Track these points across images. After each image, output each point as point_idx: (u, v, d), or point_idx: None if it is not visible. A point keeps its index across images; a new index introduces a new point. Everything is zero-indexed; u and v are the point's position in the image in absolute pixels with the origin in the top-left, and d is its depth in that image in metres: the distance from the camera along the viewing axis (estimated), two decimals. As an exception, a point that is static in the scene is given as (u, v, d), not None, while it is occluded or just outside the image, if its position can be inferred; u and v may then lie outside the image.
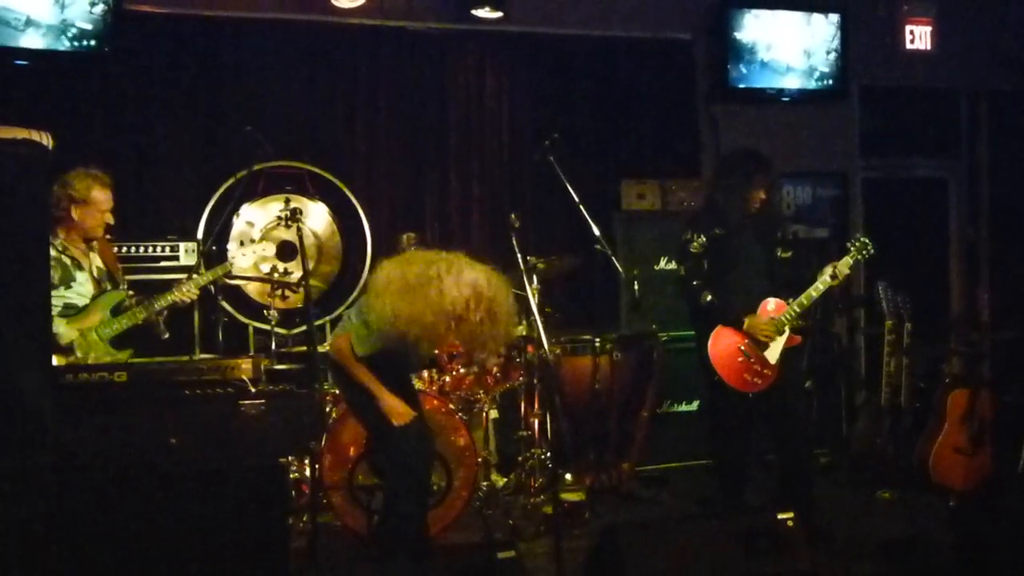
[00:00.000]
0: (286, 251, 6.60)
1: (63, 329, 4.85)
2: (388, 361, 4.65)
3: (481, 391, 5.94)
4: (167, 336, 5.22)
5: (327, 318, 6.70)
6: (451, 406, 5.60)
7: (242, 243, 6.45)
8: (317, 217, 6.91)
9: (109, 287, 5.15)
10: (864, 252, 5.49)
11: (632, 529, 4.47)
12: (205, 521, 3.71)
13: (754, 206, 5.52)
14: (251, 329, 6.59)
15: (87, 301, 5.02)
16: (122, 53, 6.36)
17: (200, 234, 6.57)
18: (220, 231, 6.48)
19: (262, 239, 6.64)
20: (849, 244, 5.56)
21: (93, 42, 6.15)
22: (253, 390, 3.85)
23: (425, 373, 5.86)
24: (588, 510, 5.77)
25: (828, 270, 5.41)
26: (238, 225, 6.74)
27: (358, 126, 7.23)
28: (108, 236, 5.27)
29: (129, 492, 3.67)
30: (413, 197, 7.37)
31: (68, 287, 4.96)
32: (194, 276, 5.29)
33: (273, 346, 5.99)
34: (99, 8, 6.12)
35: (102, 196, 5.06)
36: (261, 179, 6.70)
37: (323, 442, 5.36)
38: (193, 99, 6.82)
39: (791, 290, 5.49)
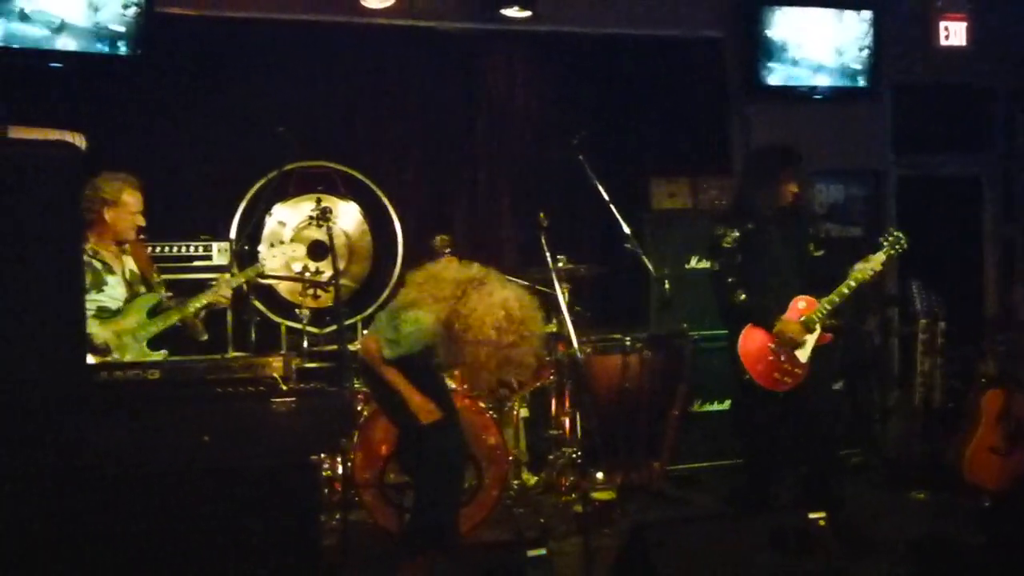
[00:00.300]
0: (317, 251, 6.64)
1: (97, 330, 4.89)
2: (418, 363, 4.67)
3: (513, 389, 5.94)
4: (205, 337, 5.30)
5: (358, 317, 6.72)
6: (481, 405, 5.61)
7: (272, 244, 6.50)
8: (348, 217, 6.95)
9: (143, 290, 5.20)
10: (898, 246, 5.43)
11: (662, 528, 4.47)
12: (237, 519, 3.72)
13: (785, 200, 5.48)
14: (283, 328, 6.63)
15: (120, 304, 5.06)
16: (154, 55, 6.40)
17: (232, 234, 6.61)
18: (253, 231, 6.54)
19: (293, 239, 6.70)
20: (882, 239, 5.51)
21: (125, 44, 6.21)
22: (284, 388, 3.86)
23: (456, 372, 5.87)
24: (618, 509, 5.76)
25: (860, 265, 5.38)
26: (270, 225, 6.79)
27: (388, 126, 7.25)
28: (141, 237, 5.31)
29: (162, 490, 3.68)
30: (443, 197, 7.40)
31: (100, 291, 5.00)
32: (226, 277, 5.33)
33: (305, 345, 6.02)
34: (131, 11, 6.18)
35: (133, 198, 5.12)
36: (293, 179, 6.75)
37: (355, 440, 5.41)
38: (224, 100, 6.87)
39: (823, 289, 5.45)
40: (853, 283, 5.35)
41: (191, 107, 6.78)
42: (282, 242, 6.46)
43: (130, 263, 5.23)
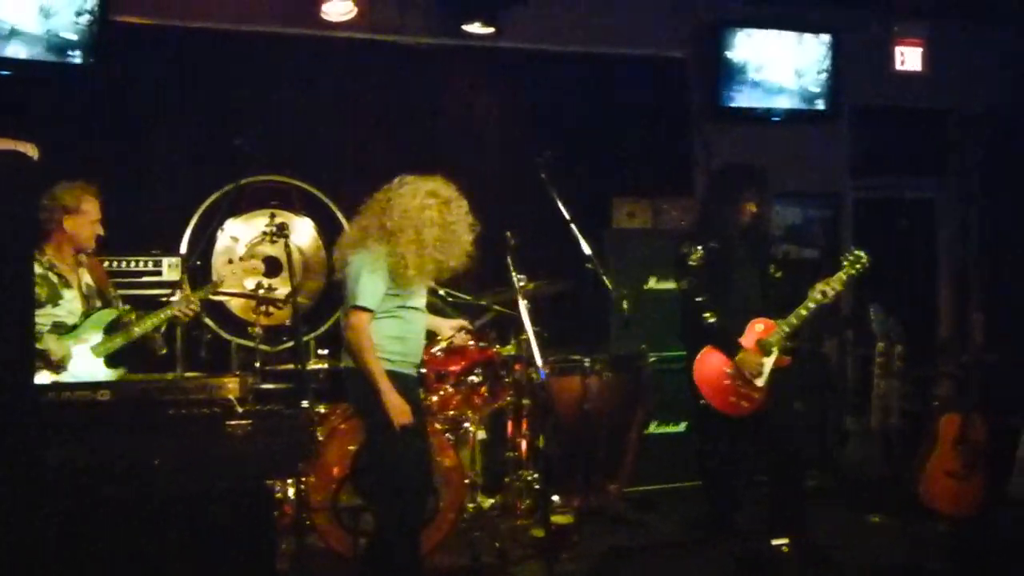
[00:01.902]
0: (271, 267, 6.50)
1: (53, 345, 4.76)
2: (402, 342, 4.54)
3: (469, 411, 5.85)
4: (164, 351, 5.21)
5: (312, 335, 6.61)
6: (438, 426, 5.51)
7: (230, 260, 6.36)
8: (303, 232, 6.82)
9: (99, 304, 5.07)
10: (858, 266, 5.38)
11: (625, 555, 4.40)
12: (189, 545, 3.62)
13: (744, 219, 5.46)
14: (233, 346, 6.49)
15: (76, 319, 4.92)
16: (108, 64, 6.27)
17: (184, 249, 6.47)
18: (204, 246, 6.40)
19: (245, 255, 6.57)
20: (843, 259, 5.46)
21: (79, 53, 6.06)
22: (240, 410, 3.75)
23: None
24: (576, 533, 5.68)
25: (819, 286, 5.33)
26: (222, 240, 6.64)
27: (347, 141, 7.15)
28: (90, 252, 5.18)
29: (111, 513, 3.57)
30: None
31: (56, 305, 4.87)
32: (188, 292, 5.21)
33: (257, 364, 5.88)
34: (84, 18, 6.05)
35: (92, 207, 5.01)
36: (247, 193, 6.62)
37: (308, 463, 5.29)
38: (179, 111, 6.74)
39: (780, 310, 5.42)
40: (812, 304, 5.32)
41: (144, 118, 6.65)
42: (241, 259, 6.31)
43: (86, 277, 5.09)
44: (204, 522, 3.62)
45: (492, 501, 6.10)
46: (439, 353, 5.74)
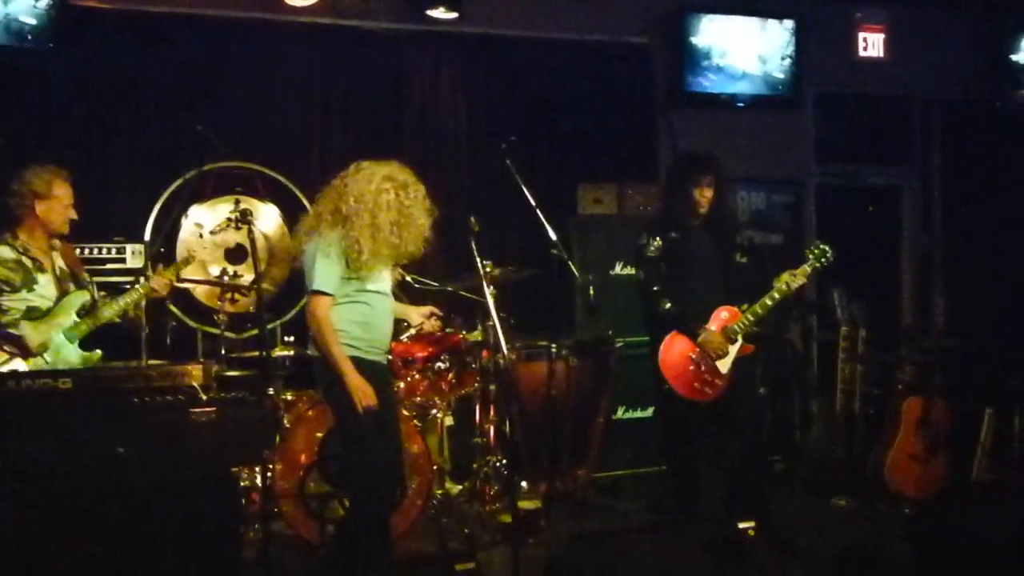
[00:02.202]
0: (236, 254, 6.46)
1: (28, 331, 4.74)
2: (365, 328, 4.51)
3: (436, 397, 5.83)
4: (147, 331, 5.24)
5: (277, 322, 6.58)
6: (405, 412, 5.50)
7: (201, 235, 6.31)
8: (268, 219, 6.78)
9: (73, 288, 5.03)
10: (823, 259, 5.44)
11: (591, 539, 4.41)
12: (153, 533, 3.59)
13: (701, 207, 5.46)
14: (199, 334, 6.44)
15: (50, 303, 4.90)
16: (68, 49, 6.19)
17: (147, 235, 6.40)
18: (168, 232, 6.35)
19: (210, 240, 6.52)
20: (808, 252, 5.51)
21: (36, 37, 5.98)
22: (204, 397, 3.72)
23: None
24: (544, 518, 5.69)
25: (784, 277, 5.37)
26: (186, 227, 6.59)
27: (311, 126, 7.12)
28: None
29: (74, 503, 3.54)
30: (366, 199, 7.24)
31: (30, 289, 4.86)
32: (161, 269, 5.23)
33: (223, 351, 5.84)
34: (43, 3, 5.97)
35: (63, 190, 4.97)
36: (211, 180, 6.56)
37: (274, 450, 5.27)
38: (141, 97, 6.66)
39: (745, 297, 5.44)
40: (777, 295, 5.35)
41: (105, 104, 6.57)
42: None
43: (60, 261, 5.06)
44: (168, 510, 3.59)
45: (460, 487, 6.10)
46: (406, 339, 5.73)
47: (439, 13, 7.04)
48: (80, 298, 4.98)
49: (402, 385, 5.72)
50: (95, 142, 6.48)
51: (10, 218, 4.91)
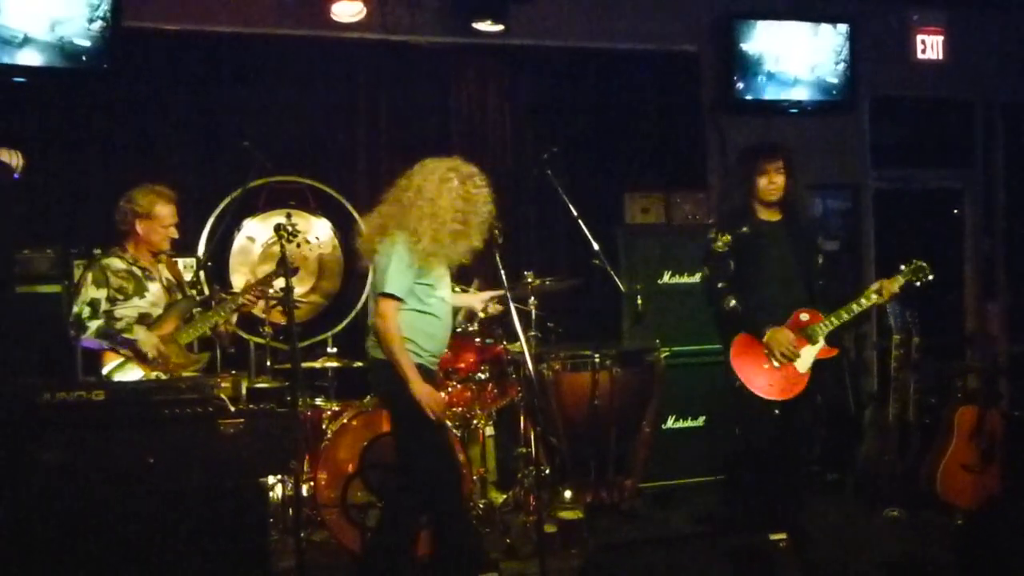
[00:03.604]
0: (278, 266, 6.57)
1: (143, 335, 4.99)
2: (431, 339, 4.54)
3: (478, 407, 5.88)
4: (233, 350, 5.56)
5: (327, 334, 6.68)
6: (447, 422, 5.53)
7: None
8: (319, 232, 6.89)
9: (179, 296, 5.35)
10: (920, 275, 5.22)
11: (621, 549, 4.39)
12: (182, 543, 3.67)
13: (772, 194, 5.23)
14: (252, 344, 6.57)
15: (160, 310, 5.19)
16: (121, 69, 6.34)
17: (200, 250, 6.55)
18: (220, 246, 6.49)
19: (262, 254, 6.66)
20: (904, 266, 5.27)
21: (91, 58, 6.14)
22: (232, 409, 3.81)
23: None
24: (586, 528, 5.68)
25: (875, 286, 5.21)
26: (239, 240, 6.73)
27: (359, 140, 7.20)
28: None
29: (106, 512, 3.63)
30: (416, 211, 7.31)
31: (142, 296, 5.17)
32: (250, 280, 5.58)
33: (268, 362, 5.95)
34: (97, 25, 6.12)
35: (165, 211, 5.25)
36: (263, 194, 6.70)
37: (319, 459, 5.37)
38: (194, 115, 6.82)
39: (824, 302, 5.24)
40: (865, 301, 5.15)
41: (159, 122, 6.73)
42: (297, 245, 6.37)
43: (166, 271, 5.37)
44: (197, 520, 3.67)
45: (504, 497, 6.13)
46: (447, 350, 5.78)
47: (485, 26, 7.08)
48: (186, 306, 5.29)
49: (444, 396, 5.77)
50: (149, 160, 6.63)
51: (118, 232, 5.26)
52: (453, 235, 4.47)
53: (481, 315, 5.39)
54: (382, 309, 4.43)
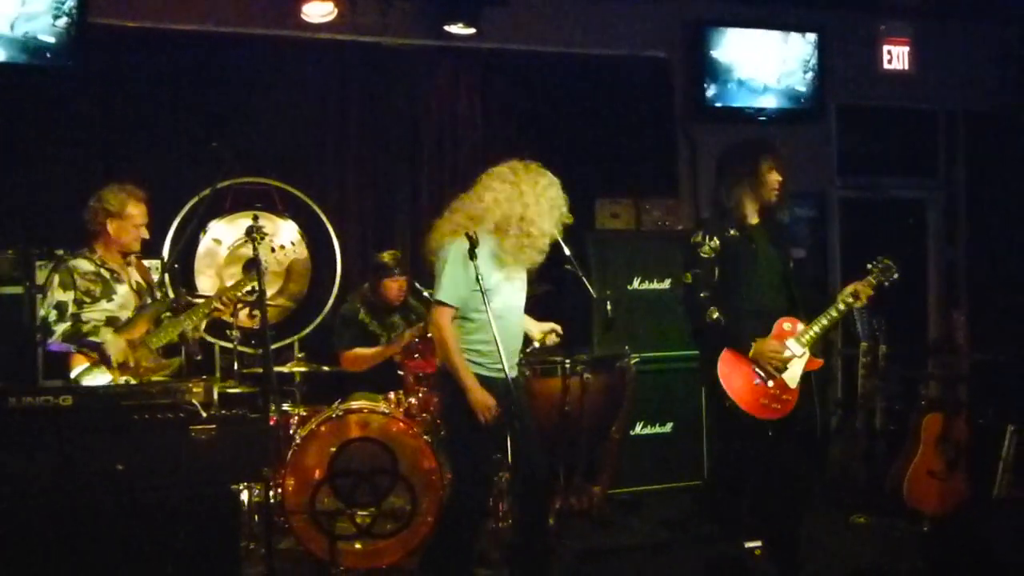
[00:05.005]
0: (249, 269, 6.49)
1: (111, 337, 4.91)
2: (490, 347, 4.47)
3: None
4: (200, 357, 5.40)
5: (294, 337, 6.61)
6: (416, 429, 5.49)
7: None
8: (286, 235, 6.81)
9: (149, 300, 5.26)
10: (888, 275, 5.04)
11: (594, 556, 4.38)
12: (152, 552, 3.59)
13: (771, 195, 4.96)
14: (218, 349, 6.48)
15: (129, 313, 5.10)
16: (87, 67, 6.25)
17: (165, 251, 6.45)
18: (186, 248, 6.40)
19: (228, 257, 6.57)
20: (871, 266, 5.08)
21: (56, 56, 6.03)
22: (204, 415, 3.74)
23: (392, 395, 5.76)
24: (556, 535, 5.65)
25: (849, 289, 4.99)
26: (205, 242, 6.64)
27: (329, 142, 7.14)
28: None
29: (73, 520, 3.55)
30: (385, 215, 7.29)
31: (110, 299, 5.07)
32: (222, 286, 5.49)
33: (235, 367, 5.86)
34: (62, 21, 6.02)
35: (137, 210, 5.17)
36: (229, 196, 6.61)
37: (286, 465, 5.28)
38: (160, 114, 6.72)
39: (800, 307, 5.04)
40: (843, 306, 4.94)
41: (125, 121, 6.62)
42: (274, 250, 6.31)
43: (135, 275, 5.27)
44: (168, 526, 3.60)
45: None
46: (417, 356, 5.76)
47: (457, 29, 7.05)
48: (158, 309, 5.20)
49: (413, 401, 5.73)
50: (113, 159, 6.53)
51: (87, 233, 5.15)
52: (514, 238, 4.48)
53: (536, 343, 5.33)
54: (435, 317, 4.52)
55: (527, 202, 4.49)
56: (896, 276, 5.07)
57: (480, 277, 4.36)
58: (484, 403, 4.39)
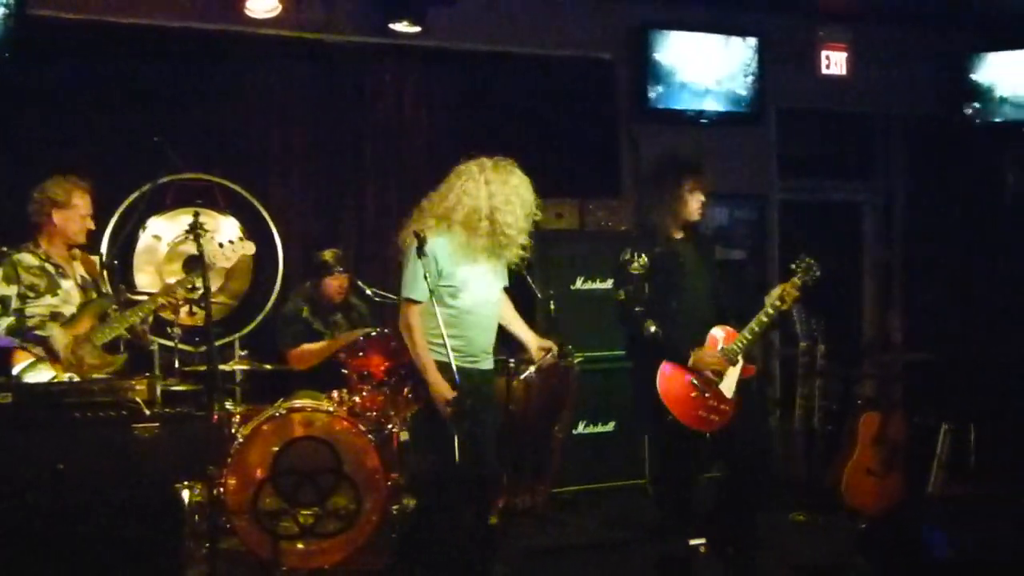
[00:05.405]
0: (194, 266, 6.41)
1: (57, 332, 4.84)
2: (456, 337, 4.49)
3: (392, 412, 5.80)
4: (153, 347, 5.40)
5: (236, 335, 6.54)
6: (361, 427, 5.46)
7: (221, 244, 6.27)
8: (227, 232, 6.72)
9: (95, 295, 5.16)
10: (811, 273, 5.10)
11: (544, 555, 4.40)
12: (94, 552, 3.53)
13: (693, 213, 5.07)
14: (157, 347, 6.38)
15: (74, 309, 5.01)
16: (26, 59, 6.11)
17: (104, 247, 6.34)
18: (124, 245, 6.30)
19: (168, 254, 6.49)
20: (794, 266, 5.14)
21: (-7, 47, 5.91)
22: (148, 412, 3.69)
23: (335, 394, 5.73)
24: (500, 534, 5.65)
25: (776, 292, 5.06)
26: (144, 239, 6.55)
27: (272, 139, 7.08)
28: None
29: (12, 521, 3.48)
30: (329, 212, 7.25)
31: (54, 295, 5.00)
32: (173, 280, 5.38)
33: (176, 365, 5.79)
34: (0, 12, 5.88)
35: (82, 201, 5.12)
36: (170, 192, 6.53)
37: (227, 465, 5.21)
38: (100, 108, 6.58)
39: (732, 315, 5.15)
40: (771, 310, 5.00)
41: (64, 115, 6.49)
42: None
43: (80, 269, 5.18)
44: (111, 526, 3.54)
45: (416, 502, 6.06)
46: (361, 354, 5.73)
47: (402, 27, 7.00)
48: (102, 306, 5.10)
49: (357, 400, 5.70)
50: (52, 154, 6.39)
51: (31, 226, 5.08)
52: (485, 234, 4.52)
53: (533, 367, 5.39)
54: (401, 312, 4.63)
55: (494, 198, 4.55)
56: (819, 273, 5.11)
57: (427, 275, 4.41)
58: (442, 396, 4.41)
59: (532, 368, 5.38)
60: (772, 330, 7.93)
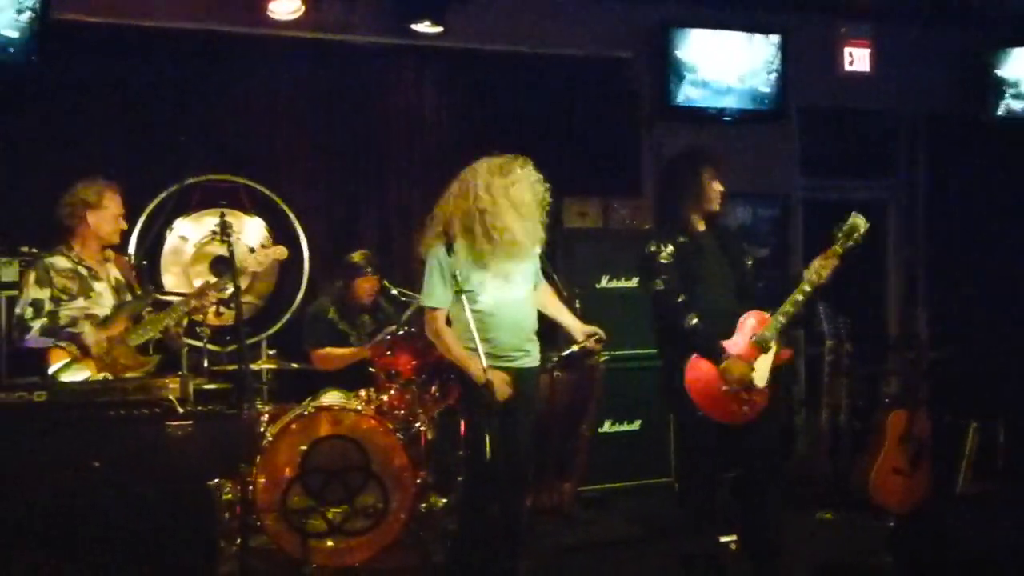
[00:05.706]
0: (220, 267, 6.44)
1: (89, 328, 4.90)
2: (486, 342, 4.49)
3: (420, 410, 5.81)
4: (187, 348, 5.47)
5: (263, 335, 6.56)
6: (389, 426, 5.48)
7: (252, 249, 6.28)
8: (253, 232, 6.76)
9: (129, 298, 5.21)
10: (854, 237, 4.75)
11: (571, 553, 4.40)
12: (128, 549, 3.56)
13: (712, 203, 4.92)
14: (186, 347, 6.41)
15: (107, 311, 5.06)
16: (50, 62, 6.15)
17: (131, 249, 6.38)
18: (152, 246, 6.34)
19: (195, 255, 6.52)
20: (835, 232, 4.78)
21: (19, 51, 5.94)
22: (180, 411, 3.71)
23: (363, 392, 5.75)
24: (526, 531, 5.65)
25: (815, 265, 4.74)
26: (171, 240, 6.59)
27: (295, 140, 7.10)
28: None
29: (48, 518, 3.51)
30: (351, 211, 7.27)
31: (87, 297, 5.04)
32: (209, 282, 5.44)
33: (205, 364, 5.81)
34: (25, 16, 5.92)
35: (114, 201, 5.17)
36: (196, 193, 6.56)
37: (257, 463, 5.23)
38: (125, 111, 6.63)
39: (760, 303, 4.92)
40: (808, 287, 4.69)
41: (89, 117, 6.53)
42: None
43: (114, 271, 5.23)
44: (144, 524, 3.56)
45: (444, 501, 6.07)
46: (389, 352, 5.74)
47: (423, 27, 7.02)
48: (136, 307, 5.15)
49: (384, 398, 5.71)
50: (77, 156, 6.42)
51: (63, 229, 5.12)
52: (482, 237, 4.51)
53: (576, 347, 5.32)
54: (426, 321, 4.67)
55: (482, 199, 4.53)
56: (866, 232, 4.79)
57: (444, 281, 4.51)
58: (485, 379, 4.37)
59: (575, 347, 5.28)
60: (800, 318, 7.90)
